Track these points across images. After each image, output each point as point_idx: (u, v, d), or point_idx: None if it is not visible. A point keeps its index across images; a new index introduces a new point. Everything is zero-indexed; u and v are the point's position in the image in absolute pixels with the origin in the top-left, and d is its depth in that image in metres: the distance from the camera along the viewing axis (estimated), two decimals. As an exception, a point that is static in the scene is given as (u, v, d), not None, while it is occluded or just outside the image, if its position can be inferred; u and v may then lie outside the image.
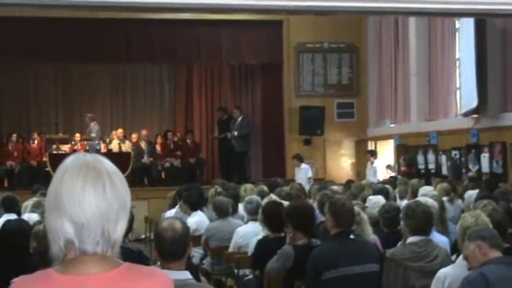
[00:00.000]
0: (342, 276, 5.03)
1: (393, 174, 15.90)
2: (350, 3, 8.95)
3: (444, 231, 6.52)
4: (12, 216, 7.83)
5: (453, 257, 5.28)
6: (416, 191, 9.06)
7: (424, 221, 5.21)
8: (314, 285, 5.13)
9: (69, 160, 1.95)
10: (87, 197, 1.88)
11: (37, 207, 7.83)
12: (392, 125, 16.84)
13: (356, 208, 5.84)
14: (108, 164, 1.96)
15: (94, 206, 1.88)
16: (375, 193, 8.85)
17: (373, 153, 17.02)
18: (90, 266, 1.89)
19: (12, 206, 8.36)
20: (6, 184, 15.86)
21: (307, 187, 12.20)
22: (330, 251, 5.16)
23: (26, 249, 4.32)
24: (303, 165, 16.37)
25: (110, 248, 1.91)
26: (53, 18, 14.66)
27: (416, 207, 5.41)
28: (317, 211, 7.63)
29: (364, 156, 17.39)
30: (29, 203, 8.35)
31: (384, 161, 17.09)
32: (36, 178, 14.96)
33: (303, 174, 16.08)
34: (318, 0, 8.77)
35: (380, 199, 8.03)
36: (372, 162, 16.62)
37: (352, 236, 5.36)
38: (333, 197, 6.68)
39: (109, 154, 15.62)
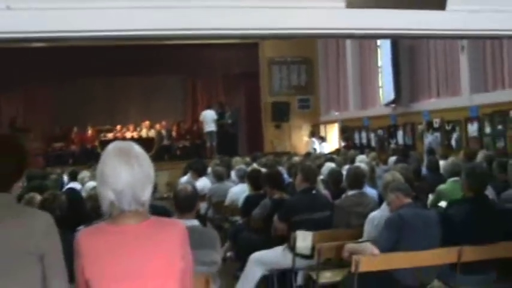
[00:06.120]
0: (306, 219, 5.03)
1: (316, 140, 16.09)
2: (300, 31, 8.84)
3: (373, 186, 6.55)
4: (76, 185, 7.83)
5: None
6: (352, 159, 9.04)
7: (354, 178, 5.24)
8: (283, 221, 5.11)
9: (109, 147, 1.96)
10: (122, 172, 1.89)
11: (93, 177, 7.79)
12: (336, 113, 16.84)
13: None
14: (136, 148, 1.96)
15: (125, 179, 1.89)
16: (326, 161, 8.82)
17: (313, 134, 16.99)
18: (129, 219, 1.92)
19: (75, 177, 8.40)
20: (71, 162, 15.70)
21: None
22: (299, 201, 5.13)
23: (83, 208, 4.33)
24: (313, 139, 16.30)
25: (140, 206, 1.92)
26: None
27: (350, 170, 5.44)
28: (285, 175, 7.62)
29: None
30: (86, 173, 8.43)
31: (330, 138, 17.14)
32: (91, 157, 14.78)
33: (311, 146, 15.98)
34: (284, 29, 8.66)
35: (332, 165, 8.00)
36: (313, 141, 16.55)
37: (314, 191, 5.36)
38: (303, 163, 6.64)
39: (139, 139, 15.62)
